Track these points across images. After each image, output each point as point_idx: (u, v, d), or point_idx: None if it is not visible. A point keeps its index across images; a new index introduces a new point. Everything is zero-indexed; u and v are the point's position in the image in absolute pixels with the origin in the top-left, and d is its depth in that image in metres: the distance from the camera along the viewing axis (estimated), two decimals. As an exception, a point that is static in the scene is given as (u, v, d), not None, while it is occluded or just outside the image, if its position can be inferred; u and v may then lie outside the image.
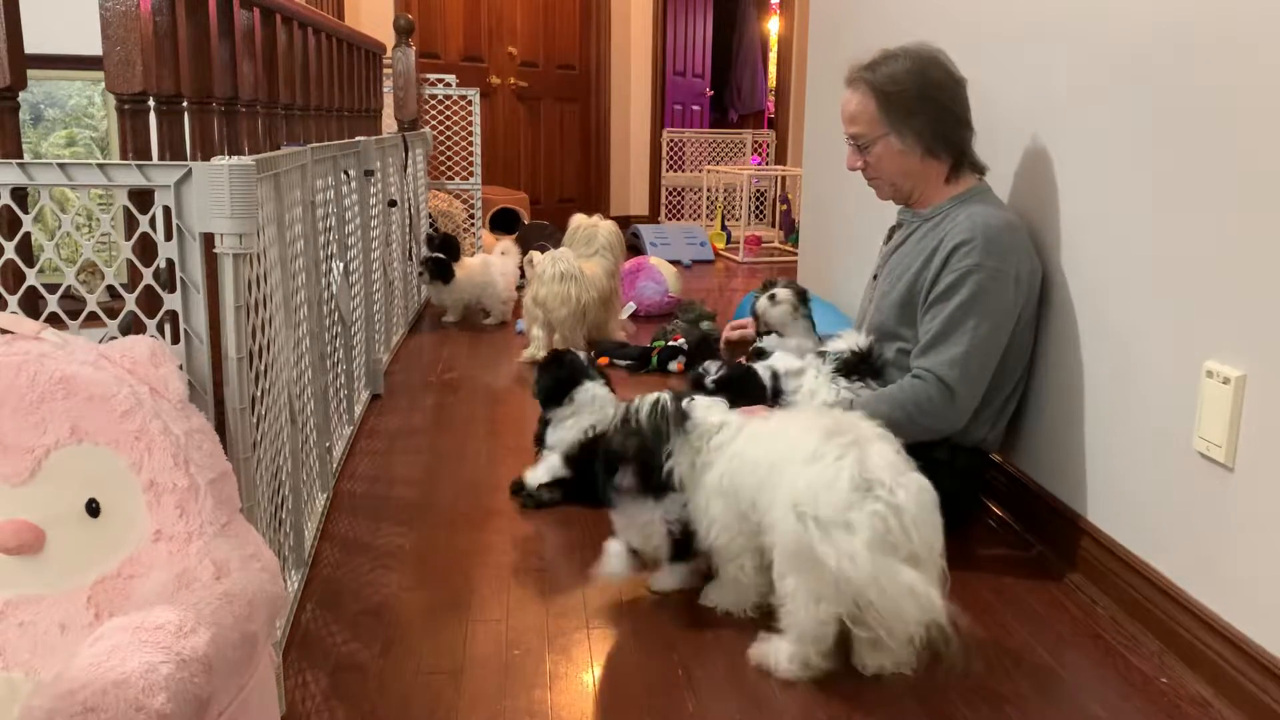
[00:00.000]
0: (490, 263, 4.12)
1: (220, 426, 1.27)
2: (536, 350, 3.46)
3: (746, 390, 2.06)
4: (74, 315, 1.31)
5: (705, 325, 3.49)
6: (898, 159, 2.04)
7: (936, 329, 1.93)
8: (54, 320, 1.25)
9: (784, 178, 6.87)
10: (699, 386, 2.05)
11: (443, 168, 5.04)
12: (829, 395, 2.08)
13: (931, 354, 1.93)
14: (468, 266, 4.08)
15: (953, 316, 1.91)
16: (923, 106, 1.99)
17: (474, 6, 6.33)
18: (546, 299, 3.40)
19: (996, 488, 2.18)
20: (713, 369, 2.09)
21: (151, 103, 1.44)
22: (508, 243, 4.33)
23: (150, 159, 1.43)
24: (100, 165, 1.22)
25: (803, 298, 2.74)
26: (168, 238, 1.24)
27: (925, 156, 2.02)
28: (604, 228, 3.66)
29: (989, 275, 1.90)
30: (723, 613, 1.70)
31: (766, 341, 2.66)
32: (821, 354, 2.15)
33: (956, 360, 1.90)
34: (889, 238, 2.24)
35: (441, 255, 4.00)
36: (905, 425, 1.92)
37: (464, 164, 5.02)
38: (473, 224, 4.94)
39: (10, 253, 1.27)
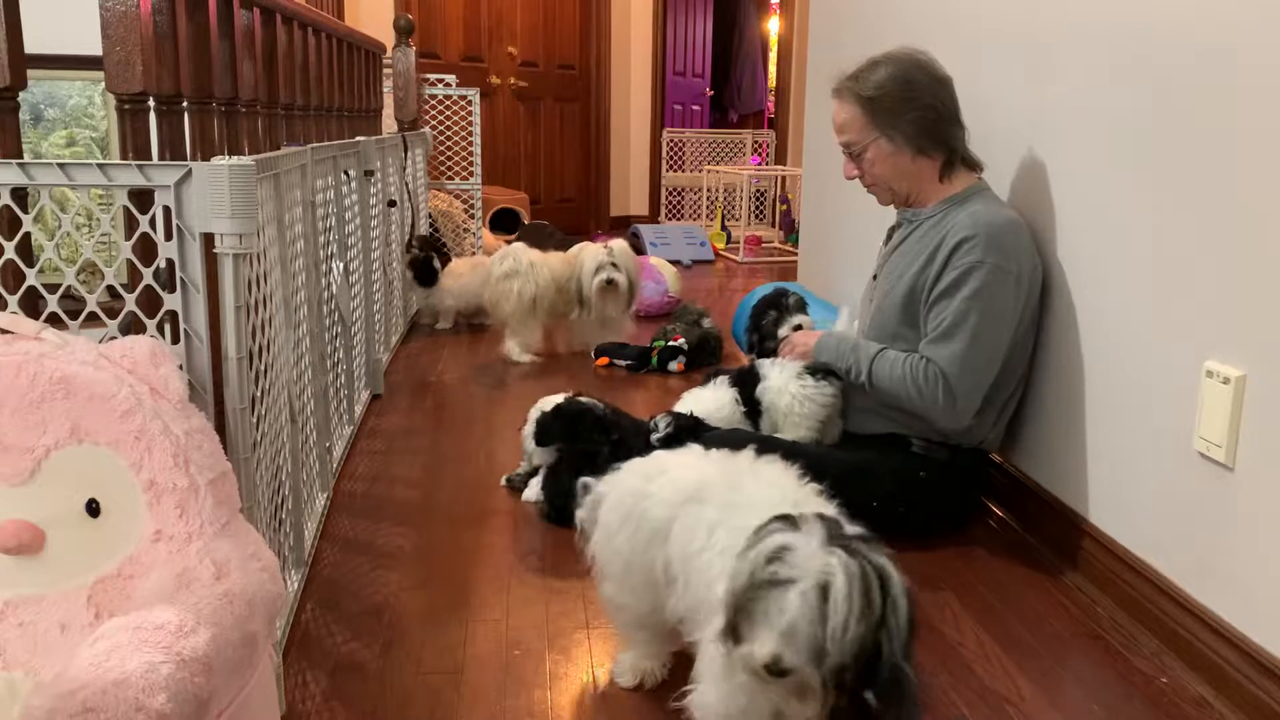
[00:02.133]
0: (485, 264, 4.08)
1: (220, 426, 1.27)
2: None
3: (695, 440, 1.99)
4: (74, 315, 1.31)
5: (706, 324, 3.49)
6: (890, 161, 2.06)
7: (944, 325, 1.93)
8: (54, 320, 1.25)
9: (784, 178, 6.87)
10: (647, 443, 2.02)
11: (443, 168, 5.04)
12: (797, 392, 2.10)
13: (935, 347, 1.94)
14: (459, 270, 3.94)
15: (957, 313, 1.92)
16: (907, 106, 2.01)
17: (474, 6, 6.33)
18: (493, 298, 3.43)
19: (996, 488, 2.18)
20: (661, 425, 2.06)
21: (151, 103, 1.44)
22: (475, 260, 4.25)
23: (150, 159, 1.43)
24: (100, 165, 1.22)
25: (802, 307, 2.49)
26: (168, 238, 1.24)
27: (916, 155, 2.04)
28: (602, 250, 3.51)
29: (991, 271, 1.91)
30: None
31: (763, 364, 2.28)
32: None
33: (957, 357, 1.91)
34: (888, 238, 2.24)
35: (422, 254, 3.83)
36: (903, 390, 1.96)
37: (464, 164, 5.02)
38: (472, 223, 4.93)
39: (10, 253, 1.27)
